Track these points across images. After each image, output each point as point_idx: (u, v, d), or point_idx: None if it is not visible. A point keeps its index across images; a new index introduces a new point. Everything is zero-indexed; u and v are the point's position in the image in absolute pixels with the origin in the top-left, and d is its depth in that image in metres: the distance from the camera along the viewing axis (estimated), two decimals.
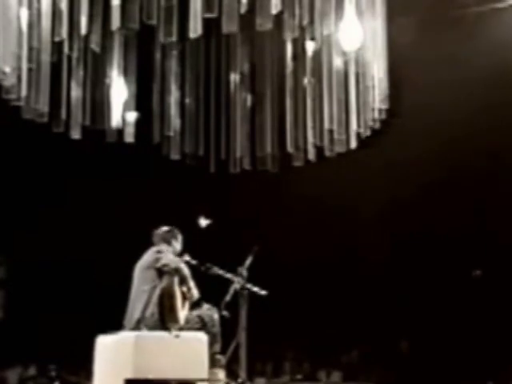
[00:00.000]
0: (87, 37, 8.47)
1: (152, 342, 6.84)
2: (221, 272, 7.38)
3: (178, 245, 7.56)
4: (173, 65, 9.69)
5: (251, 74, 9.78)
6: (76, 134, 9.03)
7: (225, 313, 7.22)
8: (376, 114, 8.93)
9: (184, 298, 7.21)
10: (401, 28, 10.06)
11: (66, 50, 8.48)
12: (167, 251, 7.31)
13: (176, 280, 7.12)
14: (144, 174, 15.72)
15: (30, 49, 8.21)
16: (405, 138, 13.96)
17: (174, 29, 8.13)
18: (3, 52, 7.89)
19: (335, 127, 8.97)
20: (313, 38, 8.95)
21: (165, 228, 7.57)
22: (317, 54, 9.08)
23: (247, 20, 8.25)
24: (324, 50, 8.92)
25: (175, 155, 9.85)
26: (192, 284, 7.25)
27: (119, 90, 9.50)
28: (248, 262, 7.34)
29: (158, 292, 7.06)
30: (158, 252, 7.29)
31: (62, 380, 16.29)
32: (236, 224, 16.69)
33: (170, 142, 9.80)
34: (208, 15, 7.75)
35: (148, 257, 7.32)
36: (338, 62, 8.86)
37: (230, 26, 7.84)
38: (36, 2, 8.17)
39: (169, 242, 7.46)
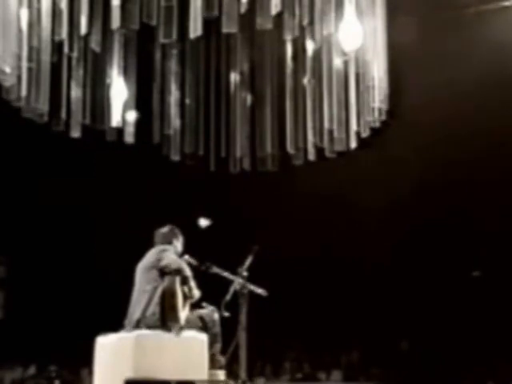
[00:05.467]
0: (87, 37, 8.47)
1: (152, 342, 6.84)
2: (221, 272, 7.38)
3: (179, 245, 7.55)
4: (173, 65, 9.69)
5: (251, 74, 9.77)
6: (76, 134, 9.04)
7: (225, 313, 7.22)
8: (376, 114, 8.93)
9: (185, 298, 7.21)
10: (401, 28, 10.05)
11: (66, 50, 8.48)
12: (169, 251, 7.31)
13: (178, 280, 7.12)
14: (144, 174, 15.72)
15: (30, 49, 8.21)
16: (404, 138, 13.96)
17: (174, 29, 8.12)
18: (3, 52, 7.89)
19: (335, 127, 8.97)
20: (313, 38, 8.94)
21: (166, 228, 7.56)
22: (317, 54, 9.08)
23: (247, 20, 8.25)
24: (324, 50, 8.92)
25: (175, 155, 9.85)
26: (193, 284, 7.25)
27: (119, 90, 9.50)
28: (248, 261, 7.33)
29: (159, 292, 7.06)
30: (160, 252, 7.28)
31: (62, 380, 16.30)
32: (236, 224, 16.70)
33: (169, 142, 9.80)
34: (208, 15, 7.75)
35: (150, 257, 7.31)
36: (337, 62, 8.86)
37: (229, 26, 7.84)
38: (36, 2, 8.17)
39: (170, 242, 7.45)
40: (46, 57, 8.35)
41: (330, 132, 9.07)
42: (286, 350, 17.64)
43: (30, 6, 8.14)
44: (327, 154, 9.32)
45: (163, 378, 6.76)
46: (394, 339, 17.12)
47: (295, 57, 9.37)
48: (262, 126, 9.72)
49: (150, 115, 9.80)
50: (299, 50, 9.29)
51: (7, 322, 18.17)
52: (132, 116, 9.76)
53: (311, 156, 9.44)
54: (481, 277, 18.00)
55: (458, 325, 16.20)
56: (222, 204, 16.88)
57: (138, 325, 7.00)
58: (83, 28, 8.22)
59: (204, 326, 7.23)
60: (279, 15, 8.07)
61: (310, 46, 9.14)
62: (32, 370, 16.98)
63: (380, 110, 8.91)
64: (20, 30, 8.09)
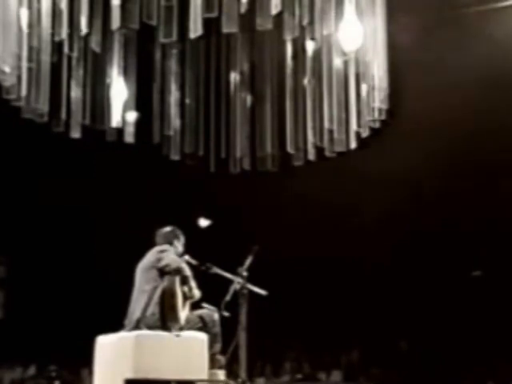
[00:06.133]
0: (87, 37, 8.47)
1: (152, 342, 6.84)
2: (221, 272, 7.38)
3: (180, 245, 7.55)
4: (173, 65, 9.69)
5: (251, 74, 9.77)
6: (76, 134, 9.03)
7: (225, 313, 7.22)
8: (376, 114, 8.93)
9: (185, 298, 7.21)
10: (401, 28, 10.05)
11: (66, 50, 8.48)
12: (169, 251, 7.31)
13: (177, 280, 7.12)
14: (144, 174, 15.72)
15: (30, 49, 8.21)
16: (404, 139, 13.95)
17: (174, 29, 8.12)
18: (3, 52, 7.89)
19: (335, 127, 8.97)
20: (313, 38, 8.94)
21: (167, 228, 7.56)
22: (317, 54, 9.08)
23: (247, 20, 8.25)
24: (324, 50, 8.91)
25: (175, 155, 9.85)
26: (193, 284, 7.25)
27: (119, 90, 9.50)
28: (248, 261, 7.34)
29: (159, 292, 7.06)
30: (160, 252, 7.28)
31: (62, 380, 16.31)
32: (236, 224, 16.70)
33: (170, 142, 9.80)
34: (208, 15, 7.75)
35: (150, 257, 7.31)
36: (337, 62, 8.86)
37: (230, 26, 7.84)
38: (36, 2, 8.17)
39: (171, 243, 7.45)
40: (46, 57, 8.34)
41: (330, 132, 9.07)
42: (286, 350, 17.64)
43: (30, 6, 8.14)
44: (327, 153, 9.32)
45: (163, 378, 6.76)
46: (393, 339, 17.12)
47: (295, 57, 9.37)
48: (262, 126, 9.72)
49: (150, 115, 9.80)
50: (299, 50, 9.28)
51: (7, 322, 18.18)
52: (132, 116, 9.76)
53: (311, 156, 9.44)
54: (481, 277, 18.00)
55: (458, 325, 16.19)
56: (222, 204, 16.88)
57: (137, 325, 7.00)
58: (83, 28, 8.22)
59: (204, 325, 7.22)
60: (279, 15, 8.07)
61: (309, 46, 9.13)
62: (32, 370, 16.99)
63: (380, 109, 8.91)
64: (20, 30, 8.09)
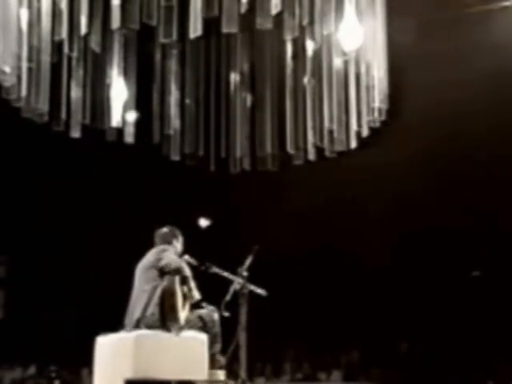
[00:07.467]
0: (87, 37, 8.48)
1: (152, 342, 6.84)
2: (221, 272, 7.38)
3: (179, 245, 7.55)
4: (173, 65, 9.70)
5: (251, 74, 9.78)
6: (76, 134, 9.04)
7: (225, 313, 7.22)
8: (376, 114, 8.94)
9: (185, 298, 7.21)
10: (401, 28, 10.05)
11: (66, 50, 8.49)
12: (169, 251, 7.31)
13: (177, 280, 7.12)
14: (144, 174, 15.73)
15: (30, 49, 8.22)
16: (405, 138, 13.96)
17: (174, 29, 8.13)
18: (3, 52, 7.90)
19: (335, 127, 8.97)
20: (313, 39, 8.95)
21: (166, 228, 7.56)
22: (317, 54, 9.08)
23: (247, 20, 8.26)
24: (324, 50, 8.92)
25: (175, 155, 9.86)
26: (193, 284, 7.24)
27: (119, 90, 9.51)
28: (248, 261, 7.33)
29: (159, 292, 7.06)
30: (160, 252, 7.28)
31: (62, 380, 16.31)
32: (236, 224, 16.70)
33: (169, 142, 9.81)
34: (208, 15, 7.76)
35: (150, 257, 7.31)
36: (337, 62, 8.87)
37: (230, 26, 7.85)
38: (36, 2, 8.18)
39: (170, 243, 7.45)
40: (46, 57, 8.36)
41: (330, 132, 9.08)
42: (286, 350, 17.64)
43: (30, 6, 8.14)
44: (327, 153, 9.33)
45: (163, 378, 6.76)
46: (393, 339, 17.11)
47: (295, 57, 9.37)
48: (262, 126, 9.73)
49: (150, 115, 9.81)
50: (299, 50, 9.29)
51: (7, 322, 18.18)
52: (132, 116, 9.76)
53: (311, 156, 9.45)
54: (481, 277, 18.00)
55: (458, 325, 16.19)
56: (222, 204, 16.88)
57: (137, 325, 6.99)
58: (83, 28, 8.23)
59: (204, 325, 7.22)
60: (279, 15, 8.07)
61: (309, 46, 9.14)
62: (32, 370, 16.99)
63: (380, 109, 8.92)
64: (20, 30, 8.10)
